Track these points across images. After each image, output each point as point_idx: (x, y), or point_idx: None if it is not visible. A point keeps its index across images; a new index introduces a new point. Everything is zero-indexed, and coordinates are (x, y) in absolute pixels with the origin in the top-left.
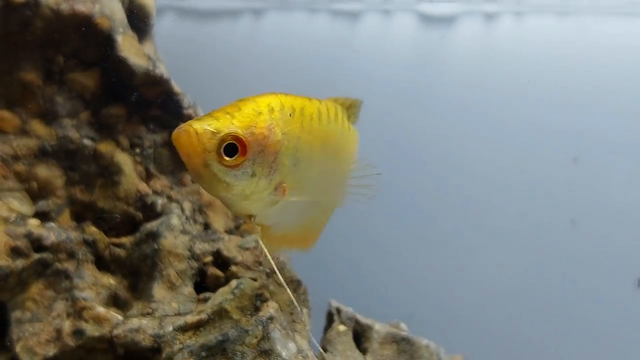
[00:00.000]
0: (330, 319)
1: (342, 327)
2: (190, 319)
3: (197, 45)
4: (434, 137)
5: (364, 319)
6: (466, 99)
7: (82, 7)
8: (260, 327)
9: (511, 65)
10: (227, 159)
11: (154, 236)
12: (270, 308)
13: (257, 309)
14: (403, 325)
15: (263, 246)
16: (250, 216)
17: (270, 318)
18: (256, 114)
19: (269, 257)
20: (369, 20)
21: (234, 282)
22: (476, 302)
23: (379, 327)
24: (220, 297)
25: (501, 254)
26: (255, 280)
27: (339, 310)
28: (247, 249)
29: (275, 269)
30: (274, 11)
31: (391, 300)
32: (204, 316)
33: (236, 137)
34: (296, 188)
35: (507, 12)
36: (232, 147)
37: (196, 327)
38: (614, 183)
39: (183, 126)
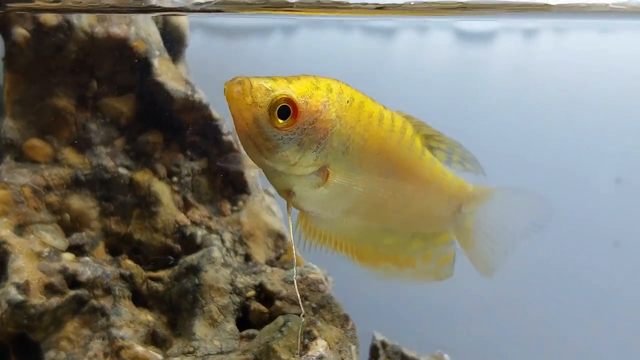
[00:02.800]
0: (374, 353)
1: None
2: (235, 358)
3: (226, 62)
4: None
5: (409, 352)
6: (504, 117)
7: (117, 30)
8: None
9: (551, 83)
10: (278, 119)
11: (194, 270)
12: (320, 347)
13: (305, 348)
14: (446, 357)
15: (291, 229)
16: (288, 192)
17: (320, 357)
18: (313, 87)
19: (293, 243)
20: (405, 37)
21: (280, 319)
22: (517, 331)
23: None
24: (267, 335)
25: (541, 280)
26: (302, 316)
27: (384, 344)
28: (292, 282)
29: (294, 260)
30: (306, 28)
31: (427, 329)
32: (250, 356)
33: (290, 100)
34: (341, 179)
35: (546, 29)
36: (285, 109)
37: None
38: None
39: (237, 78)
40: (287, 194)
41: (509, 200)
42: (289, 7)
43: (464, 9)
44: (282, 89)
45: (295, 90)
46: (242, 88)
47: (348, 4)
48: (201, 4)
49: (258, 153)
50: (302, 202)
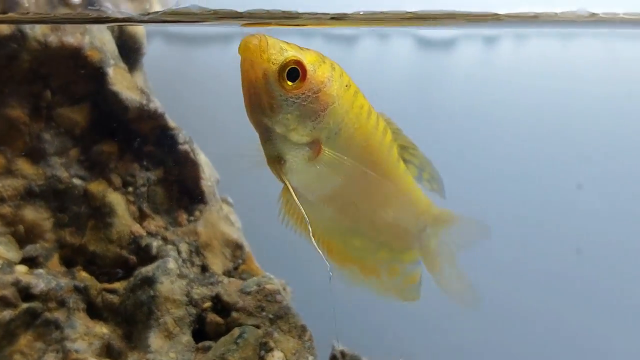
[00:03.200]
0: None
1: None
2: None
3: (186, 70)
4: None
5: None
6: (465, 123)
7: (71, 39)
8: None
9: (512, 89)
10: (287, 81)
11: (149, 282)
12: (276, 358)
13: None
14: None
15: (293, 192)
16: (279, 160)
17: None
18: (320, 60)
19: (298, 203)
20: (365, 44)
21: (236, 331)
22: (480, 338)
23: None
24: (222, 347)
25: (504, 286)
26: (258, 327)
27: (343, 354)
28: (249, 293)
29: (306, 218)
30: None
31: (389, 335)
32: None
33: (300, 64)
34: (331, 157)
35: (507, 36)
36: (294, 72)
37: None
38: (619, 210)
39: (254, 34)
40: (277, 162)
41: (466, 228)
42: (238, 17)
43: (418, 19)
44: (295, 51)
45: (305, 56)
46: (259, 43)
47: (299, 14)
48: (150, 14)
49: (260, 110)
50: (290, 173)
